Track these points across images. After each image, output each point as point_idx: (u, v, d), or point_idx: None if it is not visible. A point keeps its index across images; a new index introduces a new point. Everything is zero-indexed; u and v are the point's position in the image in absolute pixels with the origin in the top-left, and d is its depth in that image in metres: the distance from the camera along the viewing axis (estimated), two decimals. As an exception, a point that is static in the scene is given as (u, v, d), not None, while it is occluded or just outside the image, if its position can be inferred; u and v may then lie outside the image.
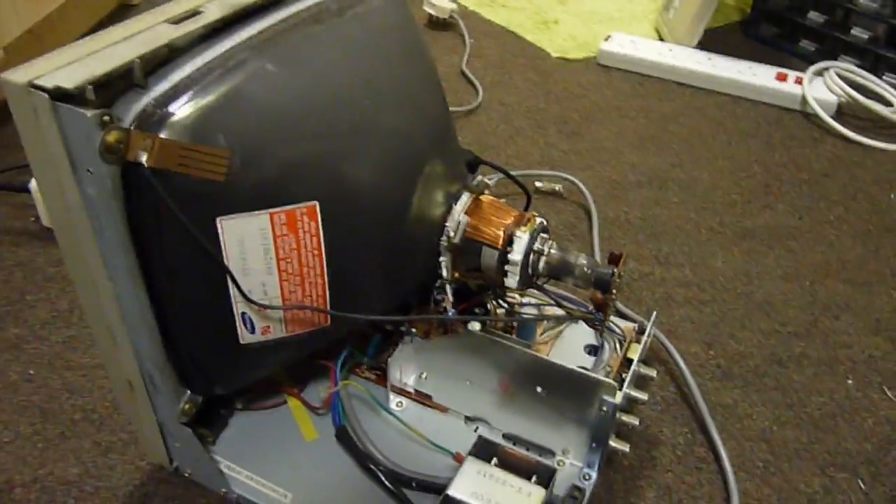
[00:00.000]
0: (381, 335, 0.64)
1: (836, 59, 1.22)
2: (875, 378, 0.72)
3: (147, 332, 0.47)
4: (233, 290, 0.46)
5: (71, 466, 0.61)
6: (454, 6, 1.33)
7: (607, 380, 0.53)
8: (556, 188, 0.94)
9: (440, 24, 1.33)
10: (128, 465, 0.61)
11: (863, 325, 0.78)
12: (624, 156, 1.02)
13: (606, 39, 1.25)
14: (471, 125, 1.07)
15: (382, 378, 0.63)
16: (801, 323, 0.78)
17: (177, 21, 0.46)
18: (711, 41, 1.26)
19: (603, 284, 0.50)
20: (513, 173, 0.70)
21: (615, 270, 0.50)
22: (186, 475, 0.56)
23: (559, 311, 0.60)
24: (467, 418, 0.61)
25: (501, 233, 0.51)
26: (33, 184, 0.82)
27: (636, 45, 1.24)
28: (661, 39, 1.31)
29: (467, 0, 1.43)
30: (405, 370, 0.61)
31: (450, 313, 0.55)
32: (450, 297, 0.52)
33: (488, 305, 0.60)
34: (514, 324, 0.60)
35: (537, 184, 0.94)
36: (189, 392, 0.52)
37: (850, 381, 0.72)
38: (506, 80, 1.19)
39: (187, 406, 0.52)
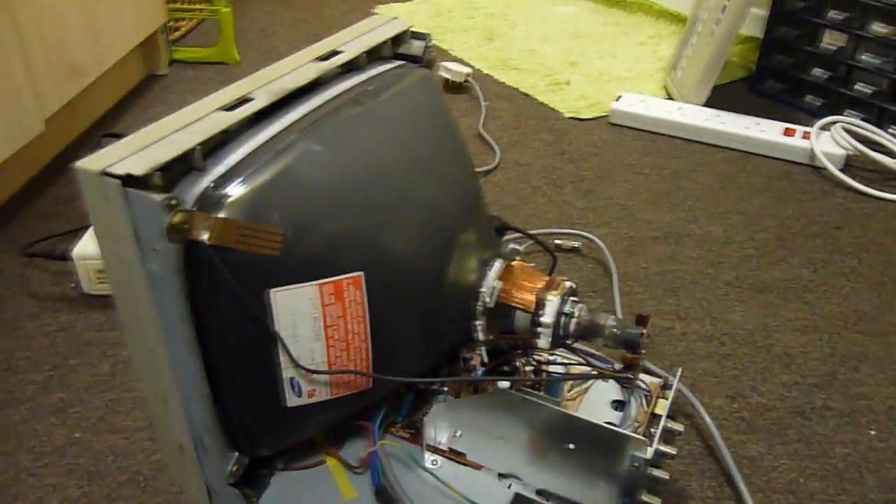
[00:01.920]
0: (413, 394, 0.66)
1: (840, 113, 1.26)
2: (897, 428, 0.74)
3: (200, 398, 0.50)
4: (282, 357, 0.49)
5: (118, 528, 0.63)
6: (469, 70, 1.39)
7: (638, 436, 0.54)
8: (575, 246, 0.97)
9: (456, 88, 1.38)
10: (173, 526, 0.63)
11: (882, 375, 0.79)
12: (639, 212, 1.05)
13: (617, 99, 1.30)
14: (489, 185, 1.11)
15: (415, 436, 0.64)
16: (821, 374, 0.79)
17: (229, 108, 0.50)
18: (718, 98, 1.30)
19: (631, 344, 0.53)
20: (532, 232, 0.73)
21: (643, 331, 0.52)
22: (231, 535, 0.58)
23: (588, 369, 0.62)
24: (500, 475, 0.62)
25: (533, 297, 0.53)
26: (75, 252, 0.86)
27: (646, 104, 1.28)
28: (670, 98, 1.36)
29: (481, 63, 1.49)
30: (439, 429, 0.63)
31: (479, 372, 0.57)
32: (484, 357, 0.55)
33: (517, 363, 0.62)
34: (543, 382, 0.62)
35: (556, 242, 0.97)
36: (237, 454, 0.54)
37: (872, 432, 0.73)
38: (521, 140, 1.23)
39: (235, 468, 0.54)
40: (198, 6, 1.58)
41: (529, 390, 0.60)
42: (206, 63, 1.50)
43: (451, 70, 1.38)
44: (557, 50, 1.56)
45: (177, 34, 1.60)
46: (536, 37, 1.63)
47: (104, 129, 1.23)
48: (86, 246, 0.86)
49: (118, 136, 1.22)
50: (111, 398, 0.75)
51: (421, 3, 1.82)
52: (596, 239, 0.97)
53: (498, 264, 0.55)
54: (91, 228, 0.89)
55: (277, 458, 0.63)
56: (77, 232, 0.91)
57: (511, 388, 0.58)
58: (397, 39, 0.63)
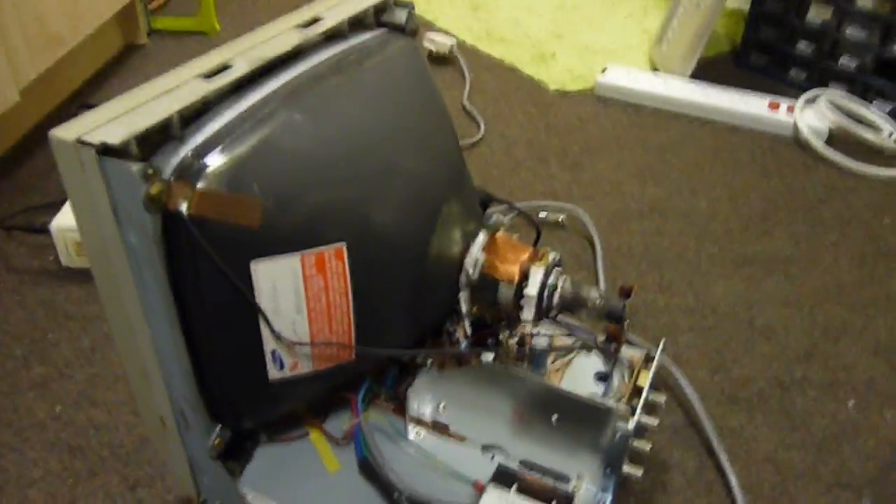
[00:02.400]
0: (398, 367, 0.66)
1: (826, 87, 1.25)
2: (875, 400, 0.75)
3: (181, 371, 0.49)
4: (264, 330, 0.48)
5: (100, 501, 0.62)
6: (453, 42, 1.37)
7: (621, 406, 0.55)
8: (560, 219, 0.96)
9: (440, 60, 1.37)
10: (155, 498, 0.63)
11: (862, 348, 0.80)
12: (624, 186, 1.05)
13: (603, 72, 1.29)
14: (474, 158, 1.10)
15: (399, 408, 0.65)
16: (801, 347, 0.80)
17: (209, 75, 0.49)
18: (704, 71, 1.29)
19: (616, 317, 0.53)
20: (517, 205, 0.73)
21: (626, 303, 0.52)
22: (215, 508, 0.58)
23: (571, 341, 0.62)
24: (484, 447, 0.63)
25: (517, 269, 0.53)
26: (53, 224, 0.85)
27: (632, 77, 1.28)
28: (656, 70, 1.35)
29: (465, 34, 1.47)
30: (423, 401, 0.63)
31: (463, 345, 0.57)
32: (468, 330, 0.54)
33: (500, 336, 0.62)
34: (526, 353, 0.63)
35: (541, 215, 0.96)
36: (219, 427, 0.54)
37: (851, 403, 0.74)
38: (506, 113, 1.23)
39: (217, 441, 0.54)
40: (177, -26, 1.55)
41: (514, 362, 0.60)
42: (186, 33, 1.47)
43: (434, 41, 1.36)
44: (543, 21, 1.54)
45: (155, 3, 1.57)
46: (522, 7, 1.61)
47: (82, 100, 1.21)
48: (64, 218, 0.85)
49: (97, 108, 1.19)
50: (92, 372, 0.74)
51: (405, -26, 1.79)
52: (580, 212, 0.97)
53: (482, 236, 0.54)
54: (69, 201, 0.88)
55: (261, 430, 0.63)
56: (56, 204, 0.89)
57: (494, 360, 0.58)
58: (380, 7, 0.61)
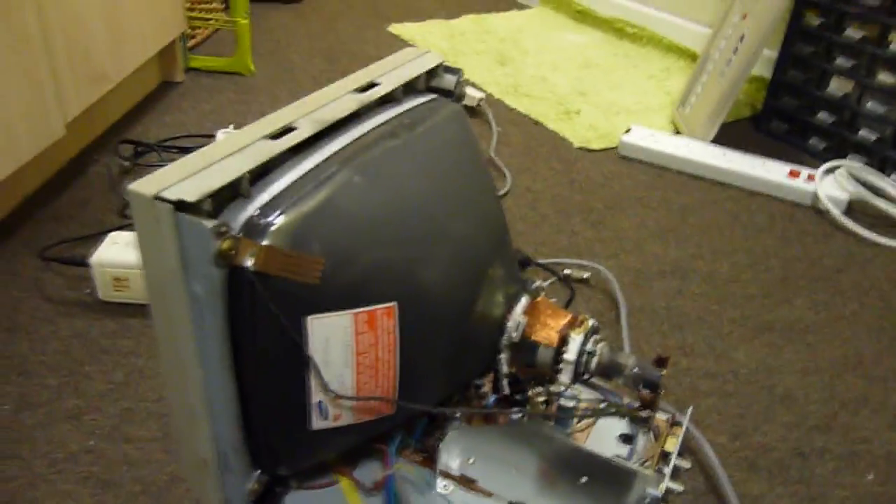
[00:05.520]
0: (427, 419, 0.67)
1: (845, 156, 1.28)
2: (895, 473, 0.75)
3: (229, 415, 0.51)
4: (313, 381, 0.50)
5: (132, 538, 0.63)
6: (482, 95, 1.41)
7: (651, 472, 0.56)
8: (584, 276, 0.98)
9: (468, 112, 1.40)
10: (186, 538, 0.64)
11: (881, 419, 0.81)
12: (647, 245, 1.07)
13: (627, 132, 1.32)
14: (500, 211, 1.13)
15: (428, 460, 0.66)
16: (821, 417, 0.81)
17: (274, 136, 0.51)
18: (725, 135, 1.33)
19: (652, 385, 0.54)
20: (542, 261, 0.75)
21: (663, 373, 0.54)
22: (246, 551, 0.59)
23: (601, 403, 0.63)
24: (510, 503, 0.64)
25: (557, 334, 0.55)
26: (93, 258, 0.87)
27: (655, 139, 1.31)
28: (678, 132, 1.38)
29: (493, 88, 1.51)
30: (452, 455, 0.65)
31: (492, 399, 0.59)
32: (507, 390, 0.56)
33: (529, 393, 0.64)
34: (554, 412, 0.64)
35: (566, 271, 0.98)
36: (258, 472, 0.55)
37: (870, 477, 0.75)
38: (531, 167, 1.25)
39: (255, 485, 0.55)
40: (215, 15, 1.60)
41: (541, 421, 0.62)
42: (222, 72, 1.51)
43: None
44: (568, 78, 1.59)
45: (193, 42, 1.62)
46: (547, 64, 1.65)
47: (120, 134, 1.25)
48: (104, 253, 0.87)
49: (135, 143, 1.23)
50: (125, 407, 0.76)
51: (434, 24, 1.85)
52: (604, 270, 0.99)
53: (524, 300, 0.56)
54: (110, 236, 0.90)
55: (292, 477, 0.64)
56: (93, 237, 0.92)
57: (522, 417, 0.60)
58: (430, 72, 0.64)
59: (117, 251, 0.88)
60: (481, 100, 1.40)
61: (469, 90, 1.41)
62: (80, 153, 1.19)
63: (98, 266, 0.87)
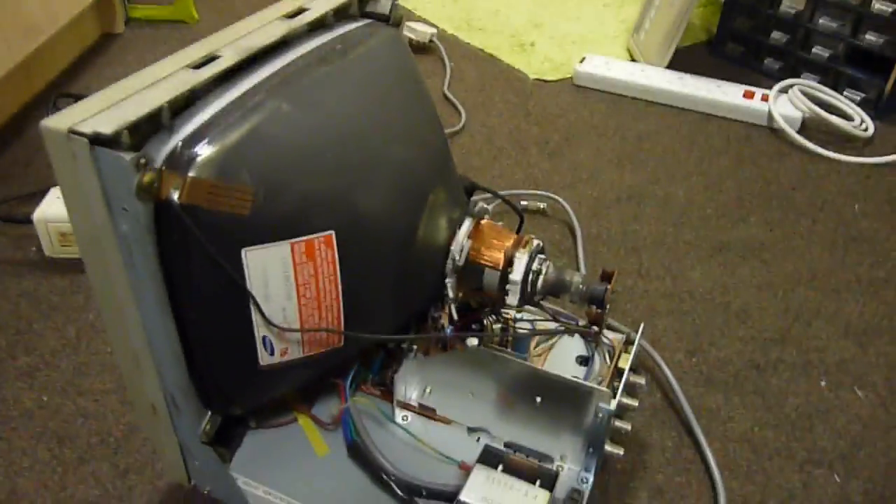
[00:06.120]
0: (384, 353, 0.67)
1: (798, 76, 1.28)
2: (846, 379, 0.77)
3: (172, 357, 0.50)
4: (255, 316, 0.49)
5: (91, 488, 0.63)
6: (434, 31, 1.38)
7: (603, 388, 0.56)
8: (541, 207, 0.98)
9: (421, 49, 1.37)
10: (146, 485, 0.63)
11: (833, 329, 0.83)
12: (603, 174, 1.07)
13: (581, 61, 1.31)
14: (455, 146, 1.12)
15: (386, 393, 0.66)
16: (776, 330, 0.82)
17: (197, 66, 0.49)
18: (680, 60, 1.31)
19: (597, 300, 0.54)
20: (500, 193, 0.74)
21: (608, 287, 0.54)
22: (206, 493, 0.59)
23: (554, 325, 0.63)
24: (469, 429, 0.64)
25: (502, 255, 0.55)
26: (36, 215, 0.84)
27: (610, 66, 1.29)
28: (633, 60, 1.37)
29: (446, 24, 1.48)
30: (410, 386, 0.65)
31: (448, 330, 0.59)
32: (454, 316, 0.56)
33: (485, 322, 0.63)
34: (510, 338, 0.64)
35: (523, 203, 0.98)
36: (210, 412, 0.55)
37: (823, 383, 0.77)
38: (486, 102, 1.24)
39: (208, 426, 0.55)
40: (154, -38, 1.54)
41: (498, 347, 0.62)
42: (164, 22, 1.46)
43: (415, 30, 1.36)
44: (522, 11, 1.56)
45: (132, -9, 1.56)
46: (501, -3, 1.62)
47: (60, 90, 1.20)
48: (47, 209, 0.85)
49: (75, 97, 1.19)
50: (79, 362, 0.75)
51: (384, -38, 1.79)
52: (561, 200, 0.98)
53: (467, 223, 0.56)
54: (52, 191, 0.88)
55: (250, 416, 0.64)
56: (37, 194, 0.89)
57: (479, 344, 0.60)
58: (364, -3, 0.62)
59: (60, 206, 0.85)
60: (433, 35, 1.37)
61: (420, 26, 1.37)
62: (19, 111, 1.15)
63: (42, 222, 0.84)
